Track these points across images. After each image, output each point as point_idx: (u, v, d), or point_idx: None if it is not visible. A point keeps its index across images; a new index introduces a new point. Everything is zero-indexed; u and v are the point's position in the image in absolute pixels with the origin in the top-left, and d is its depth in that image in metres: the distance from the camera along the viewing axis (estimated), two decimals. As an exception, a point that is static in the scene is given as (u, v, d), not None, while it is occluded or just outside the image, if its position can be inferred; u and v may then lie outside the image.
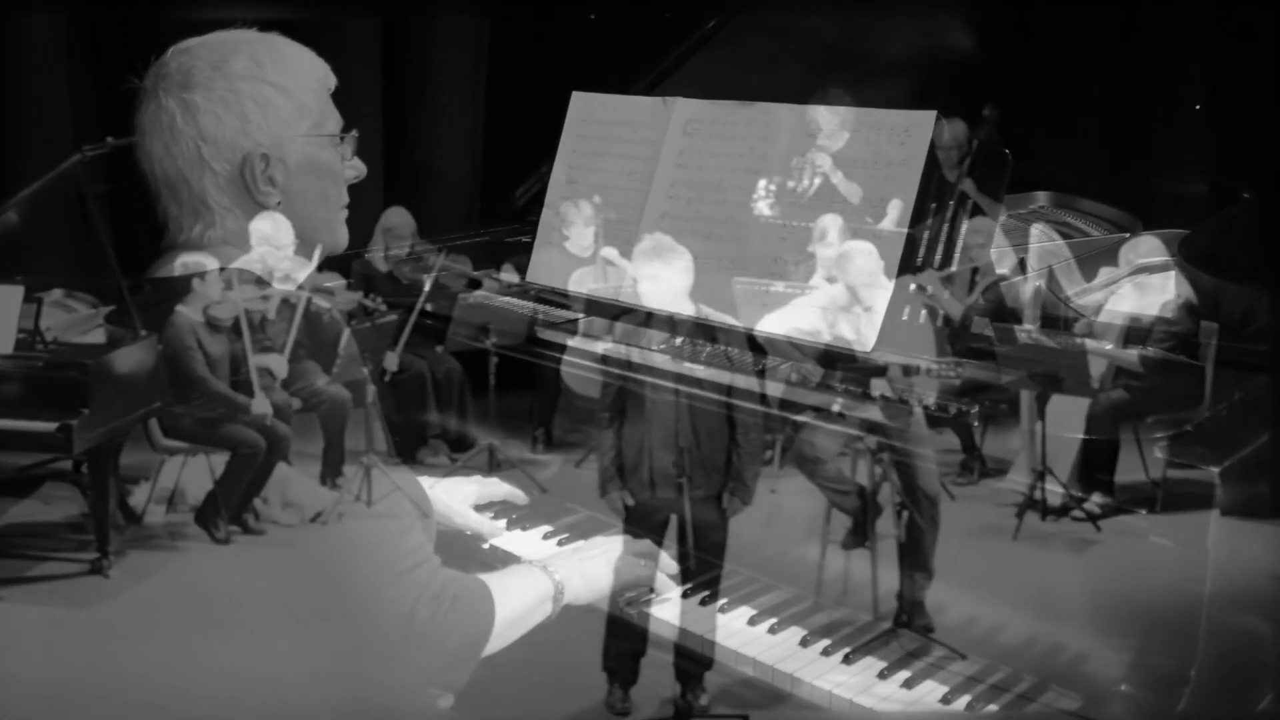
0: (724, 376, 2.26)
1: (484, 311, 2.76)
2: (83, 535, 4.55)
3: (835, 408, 2.08)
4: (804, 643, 2.08)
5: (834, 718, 1.94)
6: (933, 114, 2.14)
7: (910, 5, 3.37)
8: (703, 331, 2.31)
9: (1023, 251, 3.17)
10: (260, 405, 1.90)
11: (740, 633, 2.12)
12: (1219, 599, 1.86)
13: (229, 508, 2.07)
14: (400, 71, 6.79)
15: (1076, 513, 2.47)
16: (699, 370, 2.25)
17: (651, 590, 2.02)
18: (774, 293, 2.24)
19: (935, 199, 2.12)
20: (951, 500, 2.30)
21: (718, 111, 2.41)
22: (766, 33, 3.19)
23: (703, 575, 2.20)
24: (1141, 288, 3.14)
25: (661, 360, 2.33)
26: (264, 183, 1.64)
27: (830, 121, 2.25)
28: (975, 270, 3.08)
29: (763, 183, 2.29)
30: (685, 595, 2.12)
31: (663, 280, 2.31)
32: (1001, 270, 3.10)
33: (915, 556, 2.20)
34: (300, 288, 1.78)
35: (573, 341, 2.48)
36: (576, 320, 2.51)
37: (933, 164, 2.13)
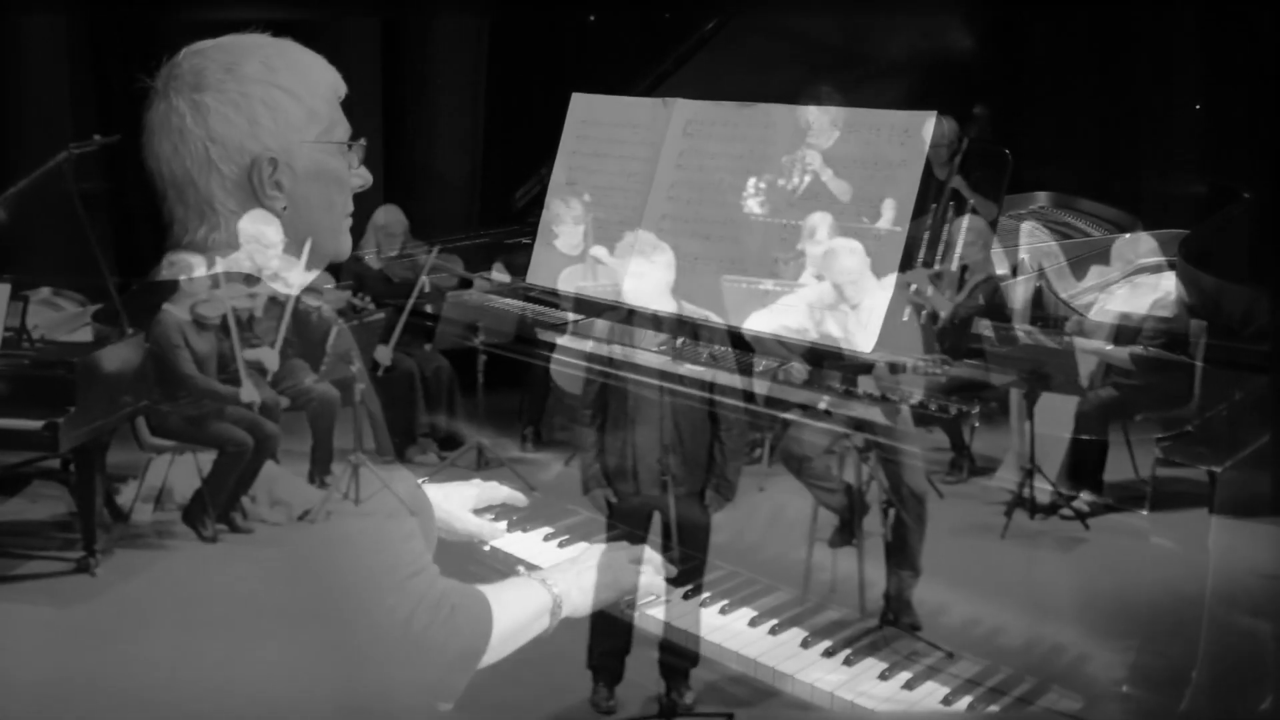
0: (716, 375, 2.26)
1: (473, 310, 2.75)
2: (69, 534, 4.54)
3: (822, 405, 2.09)
4: (790, 640, 2.08)
5: (820, 715, 1.95)
6: (932, 114, 2.15)
7: (909, 6, 3.37)
8: (687, 329, 2.31)
9: (1022, 251, 3.18)
10: (248, 393, 1.90)
11: (726, 629, 2.12)
12: (1213, 597, 1.87)
13: (216, 506, 2.06)
14: (400, 72, 6.79)
15: (1065, 511, 2.48)
16: (699, 372, 2.26)
17: (650, 594, 2.02)
18: (765, 291, 2.24)
19: (926, 197, 2.13)
20: (941, 499, 2.30)
21: (718, 112, 2.41)
22: (766, 34, 3.20)
23: (687, 571, 2.21)
24: (1139, 287, 3.15)
25: (646, 358, 2.33)
26: (271, 187, 1.64)
27: (825, 121, 2.25)
28: (965, 268, 3.08)
29: (763, 184, 2.29)
30: (685, 597, 2.13)
31: (648, 277, 2.31)
32: (1001, 271, 3.11)
33: (902, 554, 2.20)
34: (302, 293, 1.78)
35: (562, 340, 2.48)
36: (566, 319, 2.51)
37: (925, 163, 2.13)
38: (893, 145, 2.17)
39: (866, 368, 2.06)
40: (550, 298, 2.55)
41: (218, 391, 1.96)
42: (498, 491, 2.29)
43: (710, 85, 2.59)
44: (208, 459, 2.30)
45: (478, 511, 2.26)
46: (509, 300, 2.67)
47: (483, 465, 4.87)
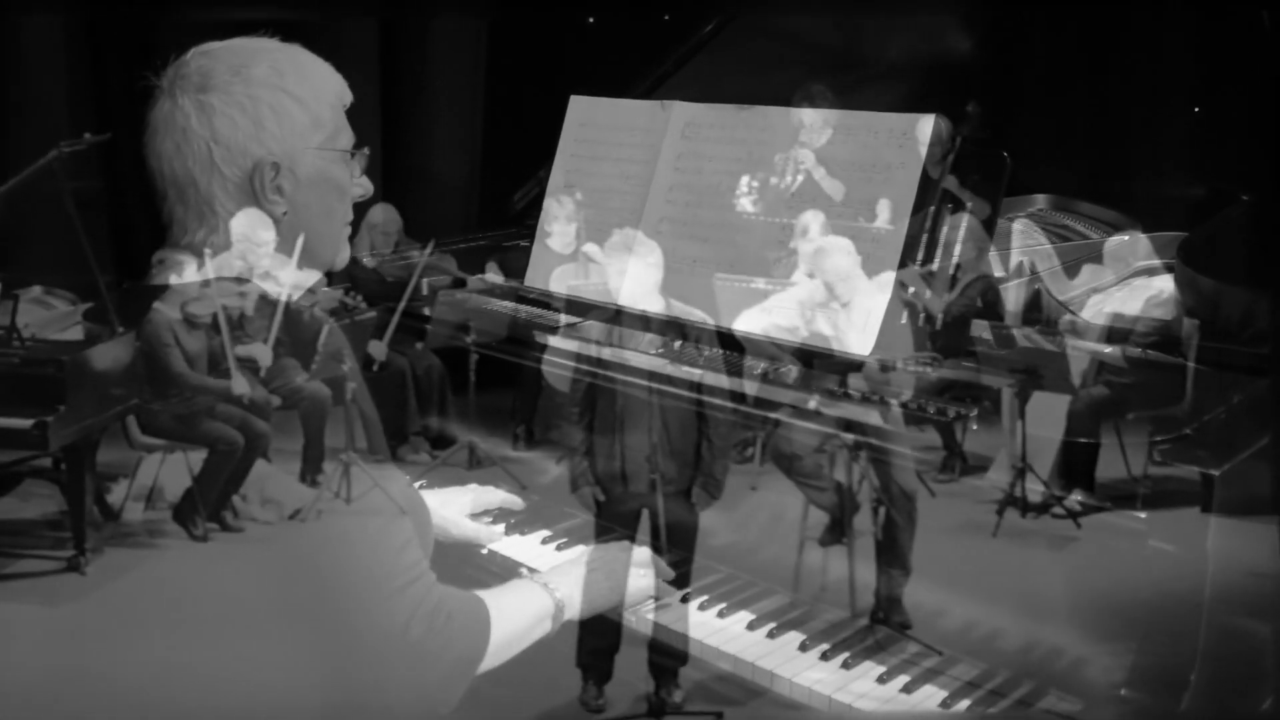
0: (713, 378, 2.26)
1: (464, 310, 2.75)
2: (60, 532, 4.52)
3: (811, 405, 2.09)
4: (780, 639, 2.08)
5: (810, 715, 1.95)
6: (930, 117, 2.15)
7: (908, 8, 3.37)
8: (679, 330, 2.31)
9: (1017, 252, 3.18)
10: (239, 385, 1.89)
11: (716, 628, 2.12)
12: (1205, 595, 1.87)
13: (207, 505, 2.06)
14: (398, 74, 6.78)
15: (1057, 510, 2.48)
16: (696, 374, 2.25)
17: (654, 598, 2.01)
18: (759, 290, 2.24)
19: (919, 196, 2.13)
20: (933, 497, 2.30)
21: (716, 115, 2.41)
22: (765, 36, 3.20)
23: (675, 570, 2.20)
24: (1137, 290, 3.16)
25: (637, 359, 2.33)
26: (272, 191, 1.64)
27: (823, 124, 2.25)
28: (958, 267, 3.08)
29: (761, 186, 2.29)
30: (684, 600, 2.12)
31: (642, 277, 2.31)
32: (1000, 273, 3.11)
33: (892, 553, 2.21)
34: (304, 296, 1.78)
35: (553, 340, 2.47)
36: (559, 320, 2.51)
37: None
38: (890, 148, 2.17)
39: (857, 366, 2.06)
40: (543, 299, 2.55)
41: (209, 386, 1.95)
42: (495, 495, 2.28)
43: (709, 87, 2.59)
44: (198, 458, 2.29)
45: (475, 515, 2.25)
46: (502, 301, 2.67)
47: (474, 464, 4.86)
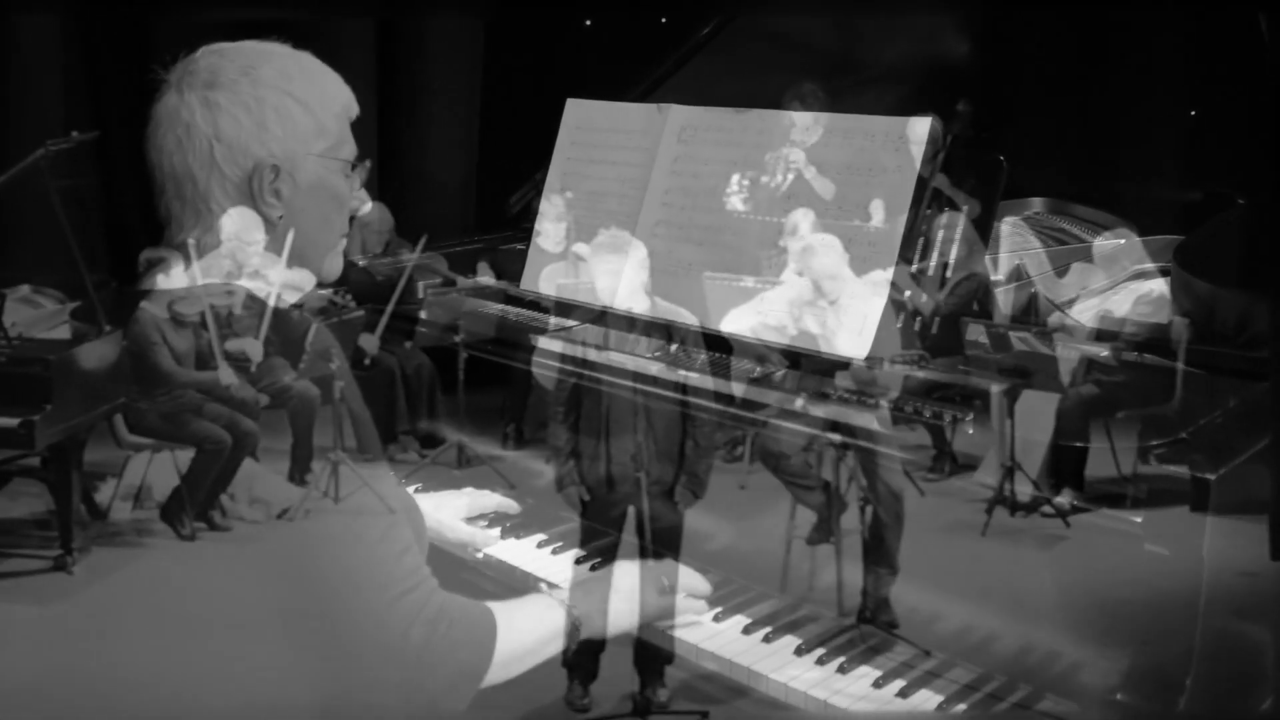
0: (704, 380, 2.26)
1: (454, 309, 2.75)
2: (47, 532, 4.51)
3: (798, 404, 2.08)
4: (767, 638, 2.07)
5: (795, 714, 1.94)
6: (927, 119, 2.15)
7: (904, 10, 3.38)
8: (668, 331, 2.31)
9: (1009, 254, 3.19)
10: (226, 375, 1.88)
11: (709, 632, 2.11)
12: (1201, 597, 1.87)
13: (195, 504, 2.05)
14: (395, 77, 6.78)
15: (1046, 509, 2.49)
16: (693, 378, 2.25)
17: (687, 615, 1.98)
18: (750, 290, 2.24)
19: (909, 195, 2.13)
20: (922, 496, 2.30)
21: (712, 118, 2.40)
22: (761, 39, 3.20)
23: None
24: (1131, 293, 3.17)
25: (623, 360, 2.33)
26: (270, 194, 1.63)
27: (818, 126, 2.25)
28: (946, 266, 3.09)
29: (757, 189, 2.29)
30: (716, 619, 2.10)
31: (619, 274, 2.31)
32: (996, 277, 3.12)
33: (879, 552, 2.20)
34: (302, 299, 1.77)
35: (541, 341, 2.47)
36: (548, 321, 2.51)
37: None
38: (886, 150, 2.17)
39: (844, 365, 2.06)
40: (533, 300, 2.55)
41: (197, 380, 1.95)
42: (490, 499, 2.27)
43: (705, 91, 2.59)
44: (186, 457, 2.28)
45: (470, 519, 2.24)
46: (490, 301, 2.66)
47: (463, 463, 4.86)
